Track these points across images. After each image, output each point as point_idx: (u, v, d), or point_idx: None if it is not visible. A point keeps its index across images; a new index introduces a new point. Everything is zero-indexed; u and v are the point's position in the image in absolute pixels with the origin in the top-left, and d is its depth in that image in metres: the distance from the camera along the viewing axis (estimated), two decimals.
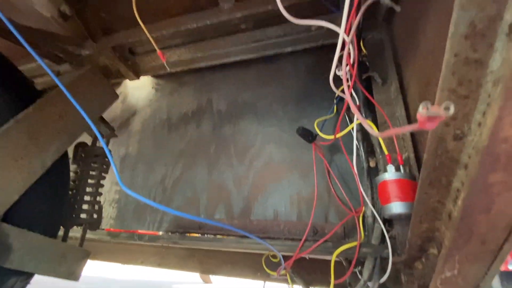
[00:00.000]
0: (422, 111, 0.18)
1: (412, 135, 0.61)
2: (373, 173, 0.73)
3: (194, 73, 1.21)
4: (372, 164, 0.73)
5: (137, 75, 1.15)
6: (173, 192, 1.01)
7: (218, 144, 1.02)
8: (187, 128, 1.10)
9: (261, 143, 0.96)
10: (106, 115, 1.09)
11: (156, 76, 1.30)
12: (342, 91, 0.85)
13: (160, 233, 0.97)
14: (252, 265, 1.31)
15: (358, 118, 0.34)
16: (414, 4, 0.62)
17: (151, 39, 0.69)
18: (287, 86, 1.02)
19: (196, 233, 0.89)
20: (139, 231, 1.04)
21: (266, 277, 1.20)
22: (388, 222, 0.69)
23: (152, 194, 1.05)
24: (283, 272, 0.81)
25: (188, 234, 0.91)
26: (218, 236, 0.85)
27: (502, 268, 1.90)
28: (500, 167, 0.24)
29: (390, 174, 0.56)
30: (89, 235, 1.04)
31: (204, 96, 1.14)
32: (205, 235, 0.87)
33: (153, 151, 1.12)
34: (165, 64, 0.81)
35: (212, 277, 3.21)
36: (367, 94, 0.67)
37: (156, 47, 0.71)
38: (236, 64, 1.13)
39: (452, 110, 0.18)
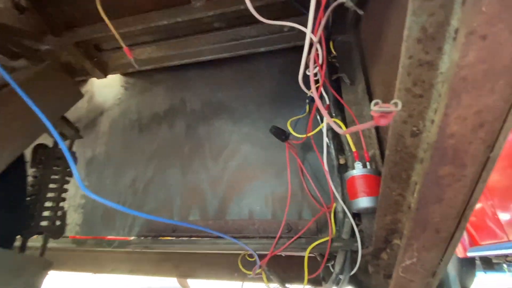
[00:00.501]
0: (374, 108, 0.19)
1: (378, 133, 0.65)
2: (343, 170, 0.76)
3: (166, 71, 1.17)
4: (341, 161, 0.76)
5: (104, 73, 1.10)
6: (144, 195, 0.97)
7: (192, 145, 1.00)
8: (159, 128, 1.07)
9: (236, 143, 0.96)
10: (71, 115, 1.02)
11: (125, 74, 1.25)
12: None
13: (131, 238, 0.93)
14: (229, 266, 1.30)
15: (324, 116, 0.36)
16: (377, 10, 0.66)
17: (116, 34, 0.66)
18: (261, 86, 1.03)
19: (169, 236, 0.86)
20: (108, 237, 0.99)
21: (244, 277, 1.20)
22: (357, 216, 0.72)
23: (122, 198, 1.00)
24: (258, 270, 0.82)
25: (161, 238, 0.89)
26: (193, 238, 0.84)
27: (462, 255, 2.07)
28: (448, 161, 0.26)
29: (357, 171, 0.58)
30: (52, 243, 0.97)
31: (177, 96, 1.11)
32: (179, 237, 0.85)
33: (123, 152, 1.07)
34: (133, 62, 0.77)
35: (190, 282, 3.15)
36: (335, 94, 0.69)
37: (122, 43, 0.68)
38: (210, 63, 1.12)
39: (400, 106, 0.19)
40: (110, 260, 1.47)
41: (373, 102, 0.19)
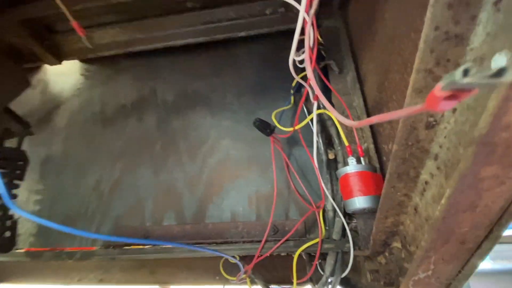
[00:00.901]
0: (461, 78, 0.12)
1: (372, 126, 0.60)
2: (332, 165, 0.71)
3: (134, 58, 1.04)
4: (331, 156, 0.70)
5: (58, 59, 0.94)
6: (111, 199, 0.85)
7: (165, 141, 0.89)
8: (127, 122, 0.94)
9: (215, 139, 0.87)
10: (21, 107, 0.87)
11: (84, 61, 1.09)
12: (302, 78, 0.81)
13: (96, 248, 0.81)
14: (210, 268, 1.22)
15: (327, 108, 0.29)
16: None
17: (64, 8, 0.53)
18: (242, 75, 0.94)
19: (141, 244, 0.76)
20: (69, 248, 0.86)
21: (226, 281, 1.13)
22: (348, 215, 0.68)
23: (85, 203, 0.87)
24: (243, 276, 0.75)
25: (132, 247, 0.78)
26: (168, 247, 0.74)
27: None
28: (496, 159, 0.20)
29: (351, 167, 0.53)
30: (2, 258, 0.83)
31: (147, 85, 0.99)
32: (152, 246, 0.75)
33: (84, 150, 0.94)
34: (84, 41, 0.65)
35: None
36: (327, 82, 0.63)
37: (70, 17, 0.55)
38: (184, 49, 1.01)
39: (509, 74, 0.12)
40: (75, 269, 1.33)
41: (462, 69, 0.12)
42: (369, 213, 0.55)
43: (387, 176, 0.38)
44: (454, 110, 0.29)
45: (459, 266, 0.30)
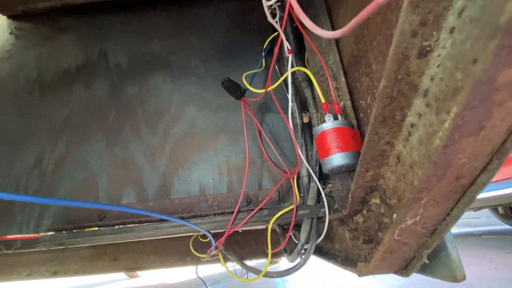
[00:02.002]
0: None
1: (348, 82, 0.56)
2: (306, 129, 0.67)
3: (78, 15, 0.88)
4: (305, 119, 0.66)
5: None
6: (56, 177, 0.73)
7: (120, 109, 0.78)
8: (71, 89, 0.80)
9: (178, 106, 0.78)
10: None
11: (15, 17, 0.90)
12: (274, 38, 0.75)
13: (41, 234, 0.70)
14: (179, 251, 1.15)
15: (306, 24, 0.23)
16: None
17: None
18: (207, 37, 0.85)
19: (96, 226, 0.67)
20: (7, 236, 0.73)
21: (198, 261, 1.08)
22: (324, 180, 0.65)
23: (22, 184, 0.74)
24: (214, 252, 0.70)
25: (85, 230, 0.68)
26: (128, 226, 0.66)
27: None
28: None
29: (328, 124, 0.49)
30: None
31: (95, 47, 0.84)
32: (110, 226, 0.66)
33: (19, 123, 0.79)
34: None
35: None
36: (308, 38, 0.57)
37: None
38: (139, 5, 0.87)
39: None
40: (24, 263, 1.18)
41: None
42: (346, 172, 0.52)
43: (371, 121, 0.34)
44: (452, 29, 0.26)
45: (449, 208, 0.28)
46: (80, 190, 0.72)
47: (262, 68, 0.77)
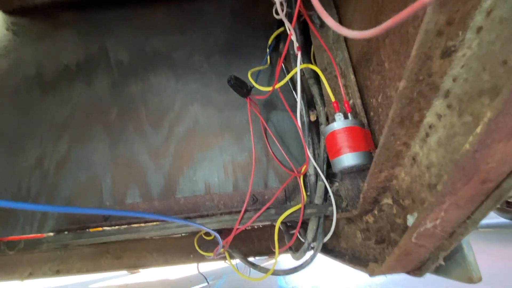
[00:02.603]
0: None
1: (357, 80, 0.55)
2: (313, 127, 0.66)
3: (77, 10, 0.86)
4: (312, 118, 0.65)
5: None
6: (58, 178, 0.72)
7: (122, 108, 0.76)
8: (72, 87, 0.79)
9: (182, 104, 0.77)
10: None
11: (11, 12, 0.88)
12: (280, 34, 0.73)
13: (45, 234, 0.69)
14: (183, 247, 1.15)
15: (329, 22, 0.22)
16: None
17: None
18: (210, 33, 0.83)
19: (100, 226, 0.66)
20: (9, 237, 0.72)
21: (201, 258, 1.08)
22: (330, 178, 0.65)
23: (24, 184, 0.73)
24: (221, 251, 0.69)
25: (90, 230, 0.67)
26: (134, 225, 0.65)
27: None
28: None
29: (338, 123, 0.48)
30: None
31: (95, 43, 0.82)
32: (115, 226, 0.65)
33: (19, 122, 0.77)
34: None
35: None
36: (315, 31, 0.56)
37: None
38: (139, 0, 0.85)
39: None
40: (26, 262, 1.17)
41: None
42: (356, 172, 0.52)
43: (388, 121, 0.34)
44: (479, 29, 0.25)
45: (470, 212, 0.28)
46: (84, 190, 0.71)
47: (267, 65, 0.76)
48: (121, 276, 3.19)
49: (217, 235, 0.55)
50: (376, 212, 0.47)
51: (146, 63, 0.80)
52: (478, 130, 0.20)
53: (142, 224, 0.63)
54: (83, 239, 0.64)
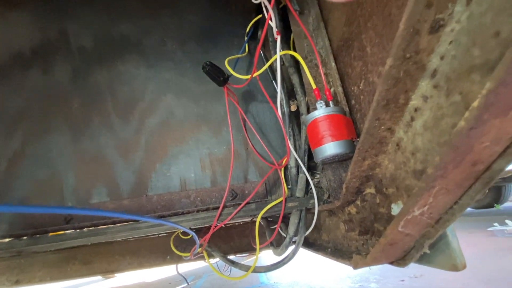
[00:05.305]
0: None
1: (338, 68, 0.54)
2: (293, 118, 0.64)
3: None
4: (293, 108, 0.63)
5: None
6: (11, 176, 0.64)
7: (85, 98, 0.69)
8: (26, 75, 0.70)
9: (154, 94, 0.71)
10: None
11: None
12: (258, 21, 0.69)
13: None
14: (159, 249, 1.09)
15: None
16: None
17: None
18: (185, 18, 0.77)
19: (62, 230, 0.59)
20: None
21: (178, 259, 1.03)
22: (312, 171, 0.63)
23: None
24: (198, 250, 0.65)
25: (48, 234, 0.60)
26: (100, 227, 0.59)
27: None
28: None
29: (320, 111, 0.46)
30: None
31: (54, 26, 0.74)
32: (78, 229, 0.59)
33: None
34: None
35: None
36: (296, 17, 0.53)
37: None
38: None
39: None
40: None
41: None
42: (338, 162, 0.50)
43: (372, 105, 0.32)
44: (469, 0, 0.23)
45: (458, 197, 0.26)
46: (42, 190, 0.63)
47: (245, 54, 0.72)
48: (96, 282, 3.02)
49: (194, 234, 0.51)
50: (359, 202, 0.45)
51: (113, 50, 0.73)
52: (476, 104, 0.18)
53: (110, 225, 0.57)
54: (41, 245, 0.56)
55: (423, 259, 0.37)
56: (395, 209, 0.36)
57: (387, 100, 0.31)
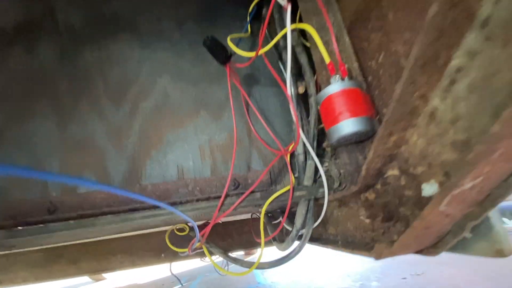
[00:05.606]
0: None
1: (353, 43, 0.49)
2: (301, 101, 0.59)
3: None
4: (301, 90, 0.58)
5: None
6: None
7: (73, 79, 0.63)
8: (8, 54, 0.64)
9: (148, 76, 0.65)
10: None
11: None
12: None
13: None
14: (153, 246, 1.03)
15: None
16: None
17: None
18: None
19: (43, 222, 0.53)
20: None
21: (173, 257, 0.97)
22: (320, 158, 0.59)
23: None
24: (197, 245, 0.60)
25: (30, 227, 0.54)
26: (89, 219, 0.53)
27: None
28: None
29: (335, 86, 0.42)
30: None
31: (38, 2, 0.68)
32: (64, 220, 0.53)
33: None
34: None
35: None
36: None
37: None
38: None
39: None
40: None
41: None
42: (354, 144, 0.46)
43: (408, 65, 0.27)
44: None
45: None
46: (23, 179, 0.57)
47: (248, 34, 0.68)
48: (84, 285, 2.91)
49: (194, 224, 0.45)
50: (379, 186, 0.41)
51: (104, 28, 0.67)
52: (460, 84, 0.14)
53: (99, 217, 0.52)
54: (21, 238, 0.50)
55: (458, 246, 0.33)
56: (427, 189, 0.32)
57: (426, 59, 0.27)
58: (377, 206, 0.40)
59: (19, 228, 0.51)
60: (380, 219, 0.38)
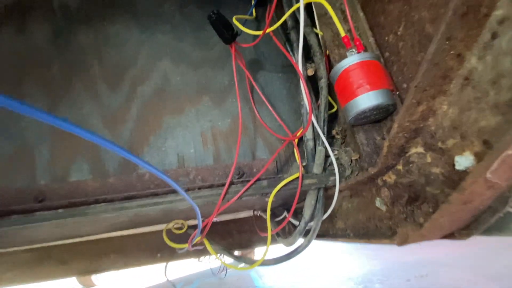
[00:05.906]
0: None
1: (368, 18, 0.47)
2: (310, 84, 0.56)
3: None
4: (310, 72, 0.55)
5: None
6: None
7: (67, 61, 0.59)
8: None
9: (148, 59, 0.62)
10: None
11: None
12: None
13: None
14: (148, 246, 0.97)
15: None
16: None
17: None
18: None
19: (31, 211, 0.48)
20: None
21: (170, 256, 0.92)
22: (330, 144, 0.55)
23: None
24: (198, 239, 0.56)
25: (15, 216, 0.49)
26: (81, 207, 0.48)
27: None
28: None
29: (352, 58, 0.39)
30: None
31: None
32: (53, 209, 0.48)
33: None
34: None
35: (95, 278, 2.52)
36: None
37: None
38: None
39: None
40: None
41: None
42: (371, 124, 0.42)
43: (446, 17, 0.24)
44: None
45: None
46: (9, 165, 0.53)
47: (253, 17, 0.65)
48: None
49: (197, 209, 0.41)
50: (400, 167, 0.38)
51: (100, 9, 0.64)
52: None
53: (91, 205, 0.47)
54: (5, 228, 0.45)
55: (493, 228, 0.30)
56: (461, 162, 0.29)
57: (467, 8, 0.24)
58: (398, 188, 0.36)
59: (3, 217, 0.46)
60: (403, 202, 0.34)
